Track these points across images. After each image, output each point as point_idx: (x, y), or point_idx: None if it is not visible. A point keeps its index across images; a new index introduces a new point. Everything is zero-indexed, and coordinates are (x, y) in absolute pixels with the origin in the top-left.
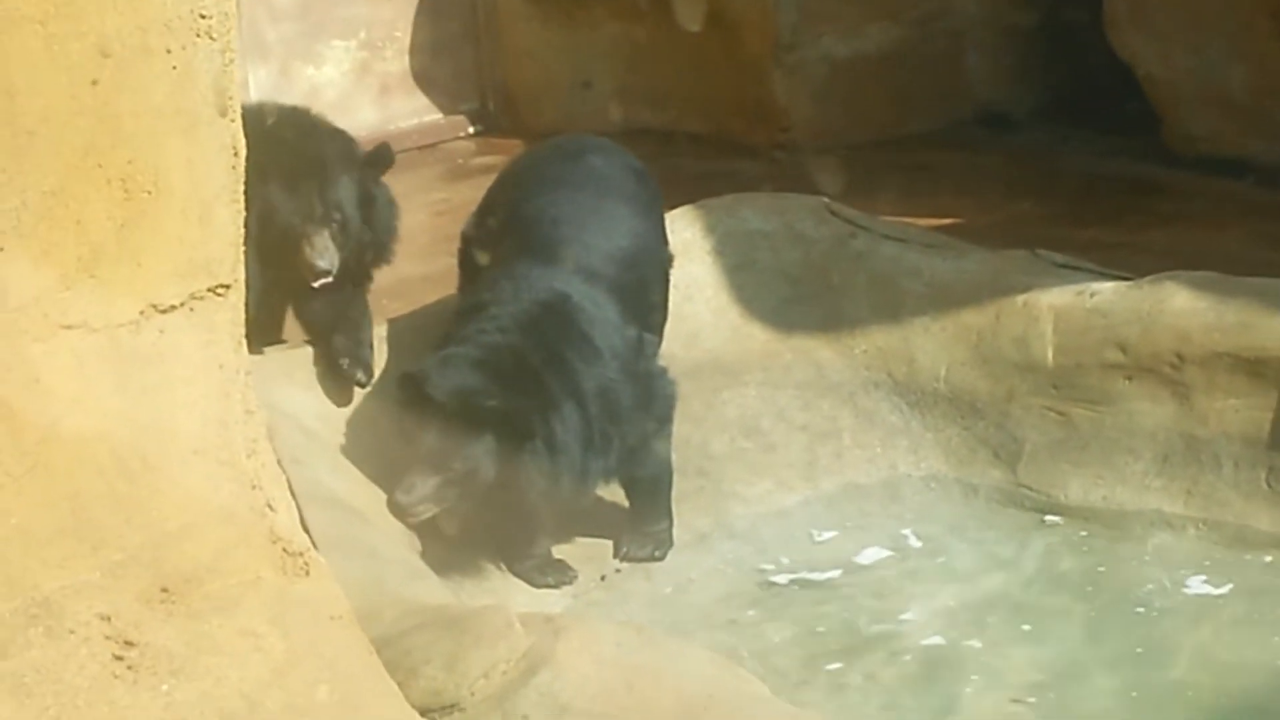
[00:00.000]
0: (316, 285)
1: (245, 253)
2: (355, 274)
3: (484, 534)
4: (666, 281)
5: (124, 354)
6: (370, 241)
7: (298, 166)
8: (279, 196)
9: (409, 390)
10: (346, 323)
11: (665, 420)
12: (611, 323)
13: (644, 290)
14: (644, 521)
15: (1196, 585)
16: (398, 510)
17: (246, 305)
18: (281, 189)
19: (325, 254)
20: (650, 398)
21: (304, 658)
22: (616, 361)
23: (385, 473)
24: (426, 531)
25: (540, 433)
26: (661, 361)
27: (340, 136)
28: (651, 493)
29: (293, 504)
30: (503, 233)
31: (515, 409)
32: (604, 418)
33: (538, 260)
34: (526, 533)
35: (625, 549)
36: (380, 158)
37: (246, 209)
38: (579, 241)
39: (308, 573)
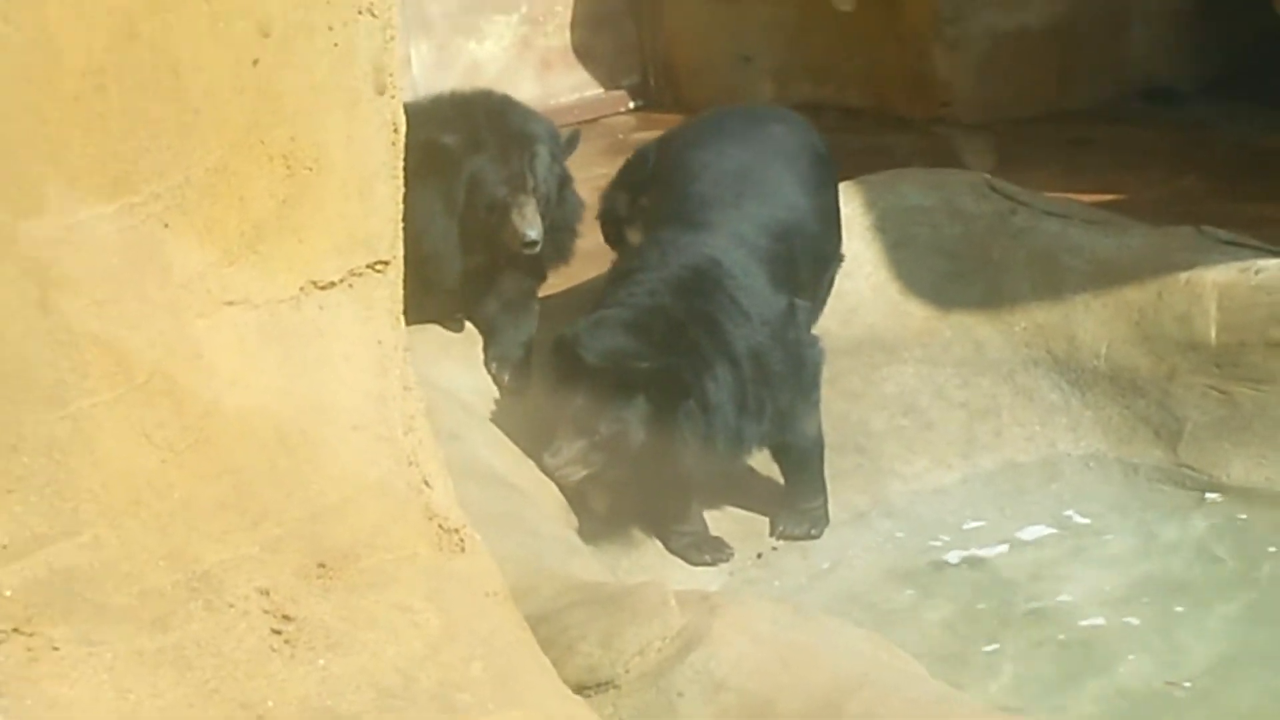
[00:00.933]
0: (527, 253)
1: (447, 229)
2: (537, 262)
3: (639, 509)
4: (825, 264)
5: (285, 330)
6: (561, 225)
7: (509, 140)
8: (489, 168)
9: (562, 353)
10: (506, 321)
11: (813, 388)
12: (761, 289)
13: (795, 264)
14: (799, 498)
15: None
16: (546, 471)
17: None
18: (493, 161)
19: (534, 224)
20: (799, 365)
21: (459, 633)
22: (767, 327)
23: (540, 446)
24: (583, 508)
25: (694, 393)
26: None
27: (544, 118)
28: (804, 466)
29: (449, 480)
30: (658, 196)
31: (668, 369)
32: (757, 380)
33: (689, 225)
34: (680, 504)
35: (781, 527)
36: (571, 144)
37: (453, 187)
38: (735, 207)
39: (463, 549)
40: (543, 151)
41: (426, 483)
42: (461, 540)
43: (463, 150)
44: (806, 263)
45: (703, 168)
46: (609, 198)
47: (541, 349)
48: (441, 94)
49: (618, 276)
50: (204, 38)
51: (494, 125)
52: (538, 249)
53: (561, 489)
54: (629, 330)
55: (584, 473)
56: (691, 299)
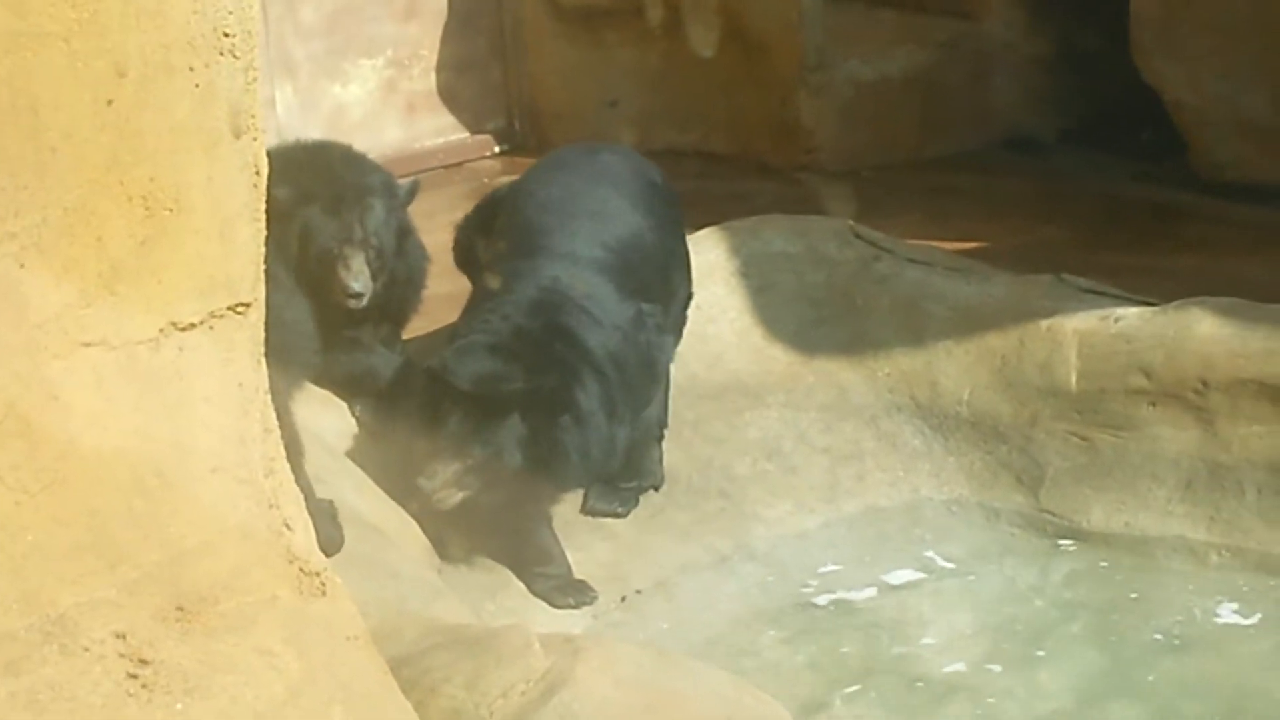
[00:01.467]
0: (352, 306)
1: (284, 280)
2: (384, 314)
3: (502, 552)
4: (667, 275)
5: (143, 371)
6: (403, 278)
7: (341, 192)
8: (319, 220)
9: (432, 382)
10: (362, 364)
11: (664, 386)
12: (607, 297)
13: (635, 272)
14: (618, 477)
15: (1225, 614)
16: (420, 496)
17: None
18: (323, 212)
19: (360, 276)
20: (652, 365)
21: (319, 677)
22: (618, 332)
23: (410, 476)
24: (447, 551)
25: (569, 407)
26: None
27: (381, 171)
28: (636, 451)
29: (310, 523)
30: (501, 234)
31: (541, 387)
32: (619, 385)
33: (528, 252)
34: (543, 546)
35: (590, 502)
36: (410, 194)
37: (286, 239)
38: (568, 229)
39: (324, 592)
40: (376, 204)
41: (287, 525)
42: (323, 584)
43: (294, 202)
44: (649, 271)
45: (536, 199)
46: (459, 242)
47: (403, 390)
48: (283, 145)
49: (468, 310)
50: (63, 76)
51: (327, 177)
52: (363, 302)
53: (424, 530)
54: (493, 353)
55: (460, 496)
56: (544, 315)
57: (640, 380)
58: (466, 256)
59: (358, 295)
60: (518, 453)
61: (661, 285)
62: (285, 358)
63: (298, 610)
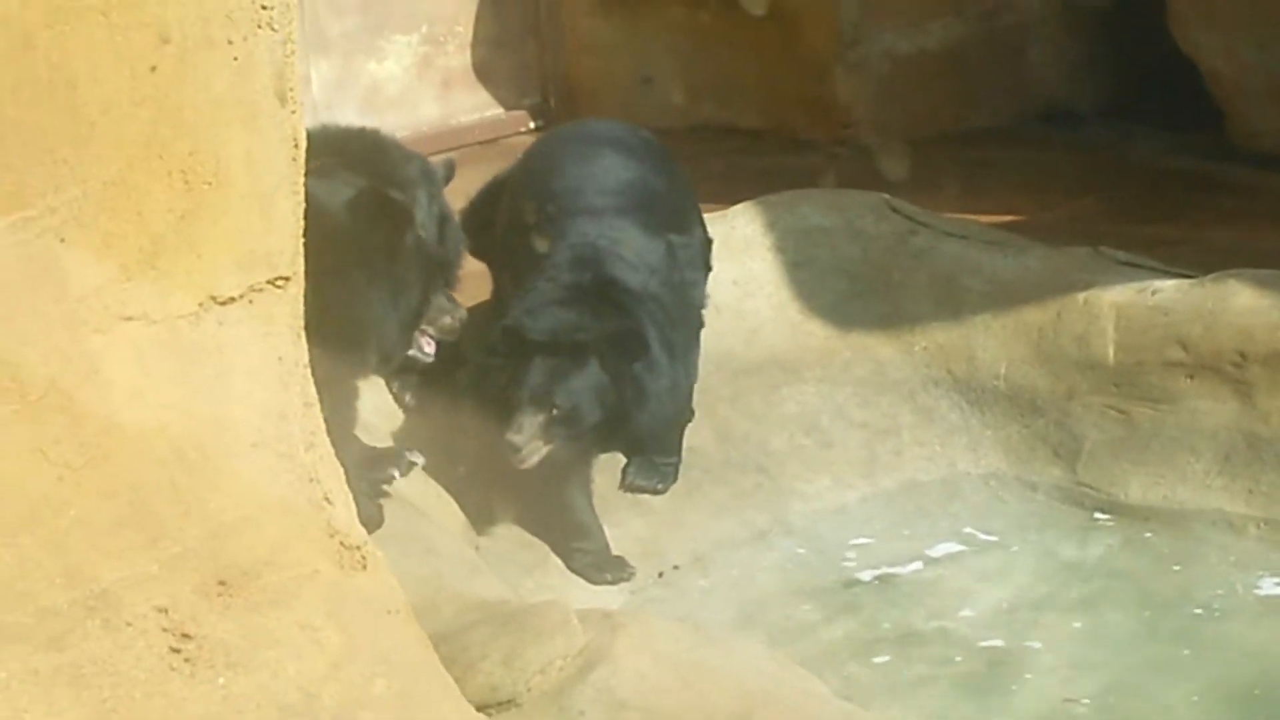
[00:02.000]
0: None
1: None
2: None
3: (541, 528)
4: (684, 217)
5: (183, 346)
6: (443, 261)
7: (386, 186)
8: None
9: (508, 338)
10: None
11: (698, 328)
12: (635, 238)
13: (653, 209)
14: (655, 452)
15: (1266, 586)
16: (510, 451)
17: None
18: None
19: None
20: (687, 305)
21: (361, 652)
22: (656, 275)
23: (445, 465)
24: (486, 526)
25: (644, 350)
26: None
27: (417, 157)
28: (669, 420)
29: (350, 498)
30: (513, 210)
31: (617, 332)
32: (668, 326)
33: (548, 218)
34: (582, 521)
35: (630, 478)
36: (447, 176)
37: None
38: (577, 188)
39: (365, 566)
40: (421, 197)
41: (328, 499)
42: (363, 558)
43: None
44: (664, 208)
45: (542, 170)
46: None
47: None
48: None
49: (509, 282)
50: (102, 50)
51: (370, 171)
52: None
53: (464, 506)
54: (561, 306)
55: (546, 449)
56: (589, 269)
57: (677, 320)
58: (477, 241)
59: None
60: (598, 401)
61: (679, 220)
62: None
63: (339, 584)
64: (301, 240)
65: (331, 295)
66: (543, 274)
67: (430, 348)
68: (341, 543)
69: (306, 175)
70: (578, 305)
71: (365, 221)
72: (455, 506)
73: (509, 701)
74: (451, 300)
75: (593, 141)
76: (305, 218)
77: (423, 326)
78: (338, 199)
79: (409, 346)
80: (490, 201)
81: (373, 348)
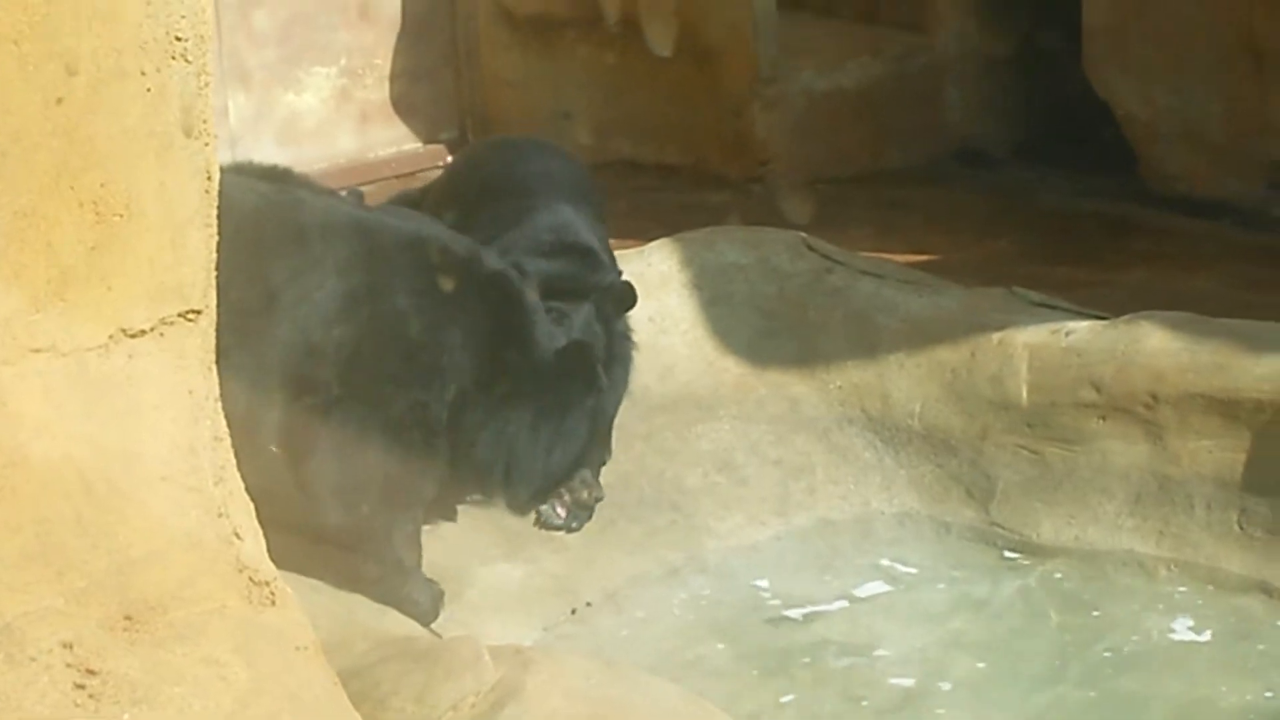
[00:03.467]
0: None
1: None
2: None
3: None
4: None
5: (93, 378)
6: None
7: None
8: None
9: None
10: None
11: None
12: (592, 229)
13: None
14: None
15: (1180, 631)
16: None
17: None
18: None
19: None
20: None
21: (268, 688)
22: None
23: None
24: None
25: (633, 302)
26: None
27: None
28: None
29: (260, 532)
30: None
31: (611, 284)
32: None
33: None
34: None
35: (545, 516)
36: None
37: None
38: (525, 181)
39: (274, 602)
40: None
41: (237, 534)
42: (272, 593)
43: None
44: (593, 206)
45: (468, 175)
46: None
47: None
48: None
49: None
50: (13, 78)
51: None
52: None
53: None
54: (547, 259)
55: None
56: (558, 234)
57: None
58: None
59: None
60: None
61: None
62: None
63: (247, 620)
64: (214, 272)
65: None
66: (515, 243)
67: (562, 514)
68: (250, 578)
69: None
70: (564, 258)
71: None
72: None
73: None
74: (595, 480)
75: (526, 145)
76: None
77: (562, 490)
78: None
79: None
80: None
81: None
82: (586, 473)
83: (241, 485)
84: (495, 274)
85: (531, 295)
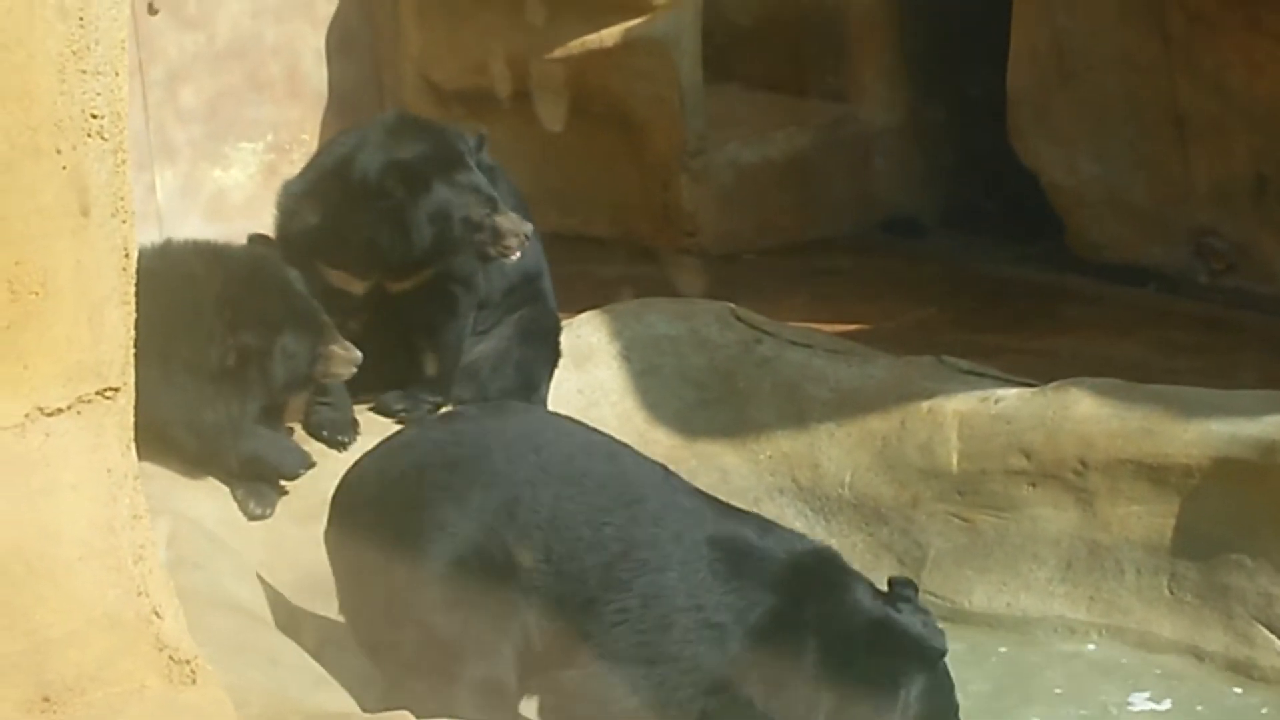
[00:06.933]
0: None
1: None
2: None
3: None
4: None
5: (9, 457)
6: None
7: None
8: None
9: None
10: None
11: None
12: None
13: None
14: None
15: (1139, 702)
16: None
17: None
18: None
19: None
20: None
21: None
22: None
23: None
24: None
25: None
26: None
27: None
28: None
29: (180, 610)
30: None
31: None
32: None
33: None
34: None
35: (385, 401)
36: None
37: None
38: None
39: (194, 681)
40: None
41: (156, 613)
42: (193, 672)
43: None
44: None
45: None
46: None
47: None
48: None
49: None
50: None
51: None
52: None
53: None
54: None
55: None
56: None
57: None
58: None
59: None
60: None
61: None
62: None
63: (167, 699)
64: (132, 351)
65: None
66: None
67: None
68: (170, 657)
69: None
70: None
71: None
72: (303, 617)
73: None
74: None
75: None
76: None
77: None
78: None
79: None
80: None
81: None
82: None
83: (161, 563)
84: None
85: None
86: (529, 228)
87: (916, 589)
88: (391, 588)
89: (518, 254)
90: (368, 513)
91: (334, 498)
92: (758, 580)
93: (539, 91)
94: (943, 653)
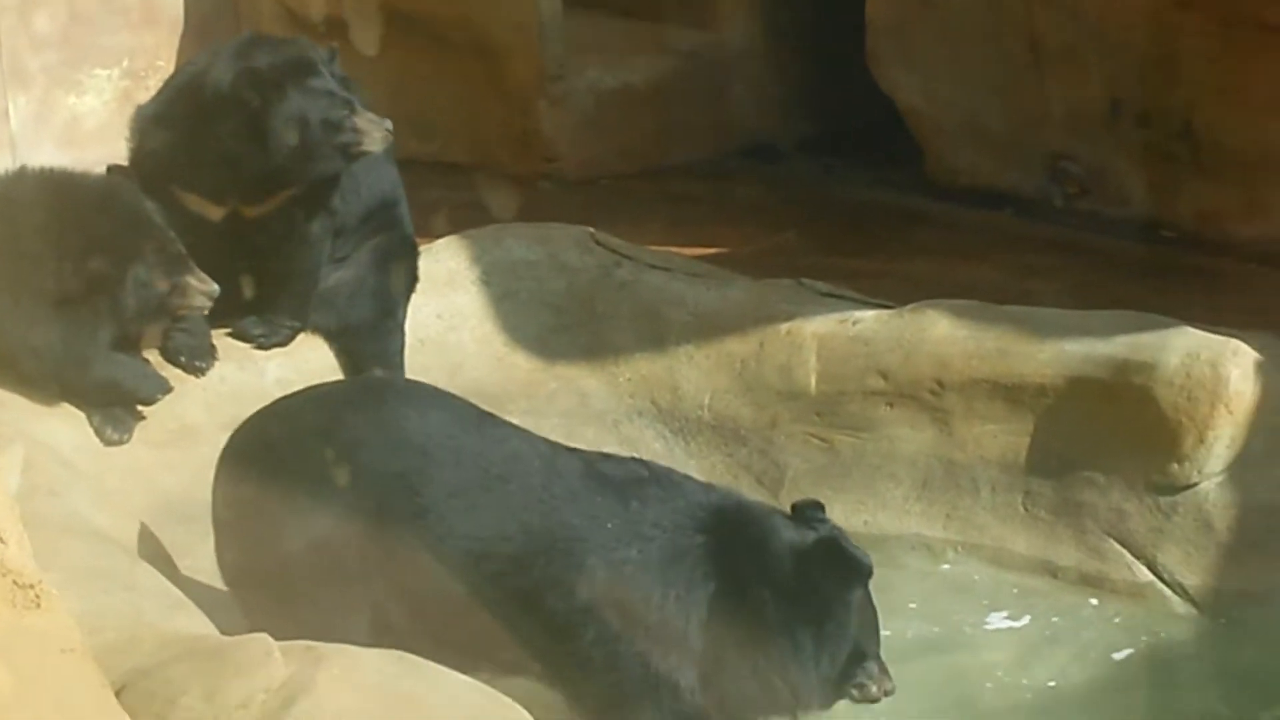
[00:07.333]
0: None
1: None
2: None
3: None
4: None
5: None
6: None
7: None
8: None
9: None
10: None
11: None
12: None
13: None
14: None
15: (995, 620)
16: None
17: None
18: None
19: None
20: None
21: (32, 691)
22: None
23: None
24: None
25: None
26: None
27: None
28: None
29: (24, 535)
30: None
31: None
32: None
33: None
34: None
35: (241, 326)
36: None
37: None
38: None
39: (39, 605)
40: None
41: (0, 539)
42: (37, 596)
43: None
44: None
45: None
46: None
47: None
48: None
49: None
50: None
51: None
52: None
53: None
54: None
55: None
56: None
57: None
58: None
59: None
60: None
61: None
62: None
63: (10, 623)
64: None
65: None
66: None
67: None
68: (14, 581)
69: None
70: None
71: None
72: (159, 543)
73: None
74: None
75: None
76: None
77: None
78: None
79: None
80: None
81: None
82: None
83: (4, 489)
84: None
85: None
86: (389, 124)
87: (823, 508)
88: (272, 548)
89: (381, 146)
90: (255, 471)
91: (224, 451)
92: (688, 542)
93: (354, 15)
94: (871, 568)
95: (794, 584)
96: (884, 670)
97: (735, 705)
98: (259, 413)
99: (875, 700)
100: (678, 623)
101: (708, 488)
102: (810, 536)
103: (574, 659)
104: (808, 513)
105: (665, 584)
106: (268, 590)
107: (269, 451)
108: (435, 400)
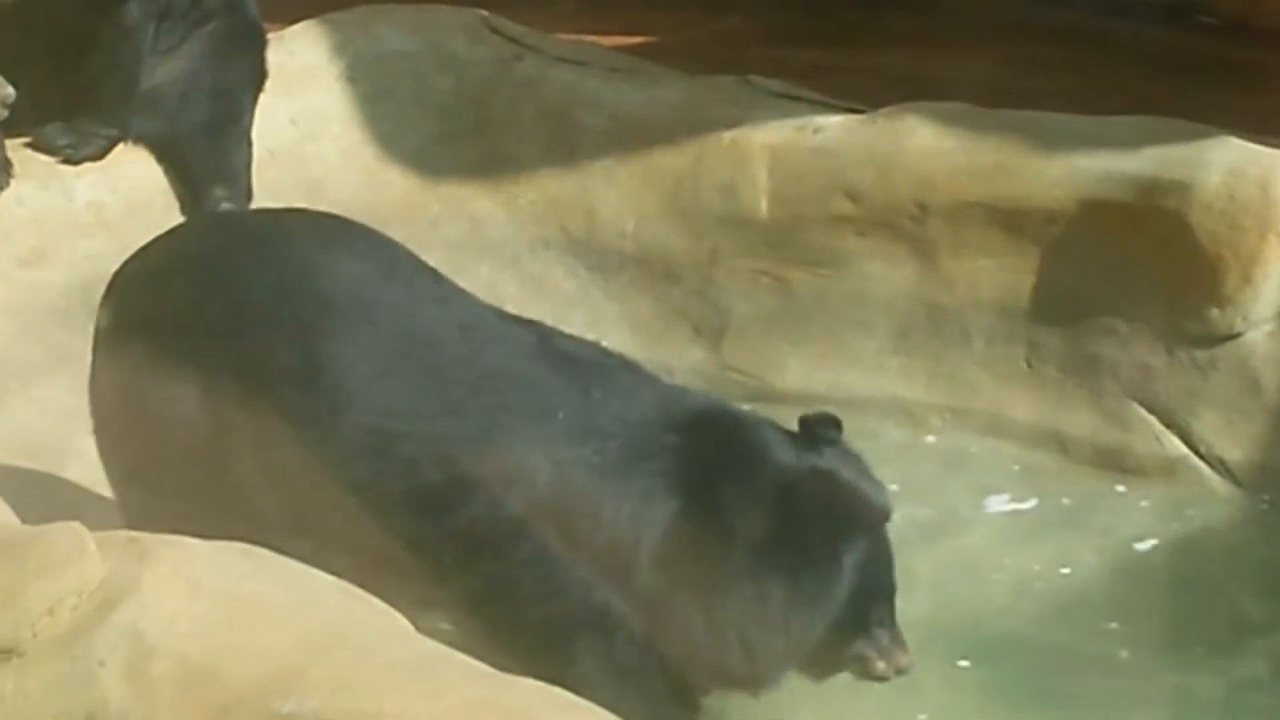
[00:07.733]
0: None
1: None
2: None
3: None
4: None
5: None
6: None
7: None
8: None
9: None
10: None
11: None
12: None
13: None
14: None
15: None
16: None
17: None
18: None
19: None
20: None
21: None
22: None
23: None
24: None
25: None
26: None
27: None
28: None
29: None
30: None
31: None
32: None
33: None
34: None
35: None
36: None
37: None
38: None
39: None
40: None
41: None
42: None
43: None
44: None
45: None
46: None
47: None
48: None
49: None
50: None
51: None
52: None
53: None
54: None
55: None
56: None
57: None
58: None
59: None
60: None
61: None
62: None
63: None
64: None
65: None
66: None
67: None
68: None
69: None
70: None
71: None
72: None
73: (9, 650)
74: None
75: None
76: None
77: None
78: None
79: None
80: None
81: None
82: None
83: None
84: None
85: None
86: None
87: (840, 426)
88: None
89: None
90: (127, 339)
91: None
92: (655, 444)
93: None
94: (889, 512)
95: (774, 519)
96: (897, 642)
97: (680, 663)
98: (132, 261)
99: (883, 679)
100: (625, 547)
101: (689, 390)
102: (809, 461)
103: (498, 583)
104: (817, 429)
105: (620, 495)
106: (137, 482)
107: (142, 312)
108: (353, 241)
